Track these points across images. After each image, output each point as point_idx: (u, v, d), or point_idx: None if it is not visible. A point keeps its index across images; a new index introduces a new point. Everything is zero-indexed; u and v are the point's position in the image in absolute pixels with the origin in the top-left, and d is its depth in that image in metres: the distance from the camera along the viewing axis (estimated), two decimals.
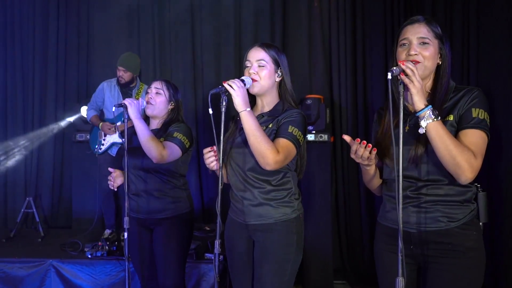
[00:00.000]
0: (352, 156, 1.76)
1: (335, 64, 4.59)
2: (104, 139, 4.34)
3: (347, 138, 1.76)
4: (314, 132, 4.02)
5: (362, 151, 1.72)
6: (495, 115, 3.80)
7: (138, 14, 4.96)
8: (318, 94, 4.34)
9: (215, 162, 2.12)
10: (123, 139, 2.31)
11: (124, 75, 4.27)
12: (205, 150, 2.13)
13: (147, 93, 2.76)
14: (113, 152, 4.36)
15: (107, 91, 4.38)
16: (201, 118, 4.86)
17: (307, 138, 2.24)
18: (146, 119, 2.78)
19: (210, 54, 4.84)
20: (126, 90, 4.38)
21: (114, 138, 4.29)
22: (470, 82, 4.07)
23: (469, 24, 4.09)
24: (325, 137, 4.03)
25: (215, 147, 2.09)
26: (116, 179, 2.64)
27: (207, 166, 2.15)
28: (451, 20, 4.19)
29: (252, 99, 2.21)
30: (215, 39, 4.84)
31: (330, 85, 4.63)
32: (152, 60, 4.96)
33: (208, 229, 4.37)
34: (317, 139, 4.03)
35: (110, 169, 2.66)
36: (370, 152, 1.73)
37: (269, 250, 2.11)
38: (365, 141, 1.72)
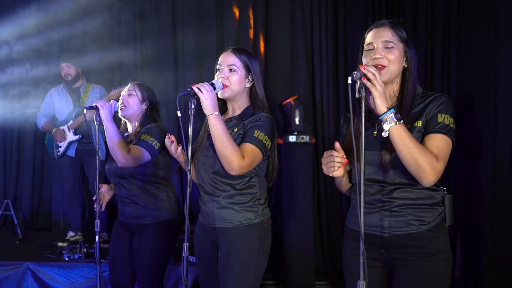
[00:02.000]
0: (324, 167, 1.75)
1: (317, 66, 4.59)
2: (60, 141, 4.34)
3: (337, 145, 1.74)
4: (295, 133, 4.02)
5: (333, 161, 1.71)
6: (475, 119, 3.83)
7: (119, 17, 4.94)
8: (300, 95, 4.33)
9: (179, 150, 2.18)
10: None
11: (69, 70, 4.32)
12: (166, 142, 2.20)
13: (121, 95, 2.74)
14: (72, 152, 4.36)
15: (56, 95, 4.45)
16: (182, 120, 4.83)
17: (275, 142, 2.21)
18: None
19: (192, 56, 4.83)
20: (74, 90, 4.41)
21: (70, 137, 4.30)
22: (450, 85, 4.11)
23: (450, 27, 4.13)
24: (306, 138, 4.02)
25: (171, 136, 2.18)
26: (105, 195, 2.63)
27: (173, 155, 2.24)
28: (432, 23, 4.22)
29: (223, 104, 2.22)
30: (197, 41, 4.82)
31: (312, 86, 4.63)
32: (133, 63, 4.93)
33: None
34: (298, 141, 4.03)
35: (100, 185, 2.61)
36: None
37: (231, 254, 2.10)
38: (338, 145, 1.72)
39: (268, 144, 2.07)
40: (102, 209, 2.62)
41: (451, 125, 1.71)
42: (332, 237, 4.54)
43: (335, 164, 1.71)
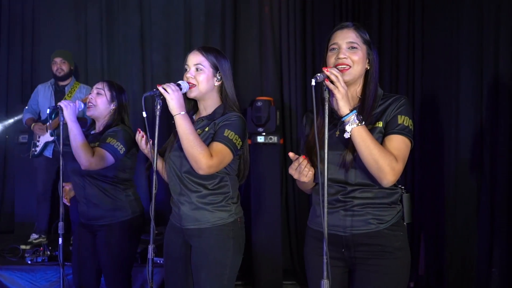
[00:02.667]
0: (291, 172, 1.77)
1: (285, 66, 4.62)
2: (38, 141, 4.26)
3: (291, 155, 1.76)
4: (264, 134, 4.04)
5: (303, 168, 1.73)
6: (438, 120, 3.94)
7: (85, 13, 4.85)
8: (268, 96, 4.35)
9: (149, 146, 2.14)
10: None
11: (63, 66, 4.26)
12: (136, 137, 2.19)
13: (90, 94, 2.70)
14: (49, 153, 4.27)
15: (41, 92, 4.37)
16: (148, 119, 4.78)
17: (247, 141, 2.22)
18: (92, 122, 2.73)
19: (160, 55, 4.79)
20: (59, 88, 4.34)
21: (47, 137, 4.22)
22: (415, 86, 4.20)
23: (414, 31, 4.21)
24: (274, 139, 4.05)
25: (141, 131, 2.17)
26: (69, 192, 2.58)
27: (142, 151, 2.21)
28: (397, 26, 4.30)
29: (195, 103, 2.21)
30: (165, 40, 4.79)
31: (280, 87, 4.66)
32: (100, 61, 4.85)
33: (156, 232, 4.30)
34: (267, 141, 4.05)
35: (64, 184, 2.57)
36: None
37: (206, 254, 2.10)
38: (304, 156, 1.75)
39: (238, 144, 2.07)
40: (68, 204, 2.60)
41: (410, 127, 1.76)
42: (300, 237, 4.56)
43: (305, 169, 1.73)
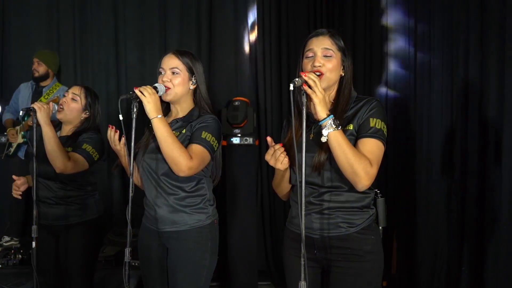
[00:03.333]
0: (267, 158, 1.79)
1: (261, 68, 4.64)
2: (11, 142, 4.19)
3: (269, 140, 1.79)
4: (239, 135, 4.04)
5: (278, 154, 1.76)
6: (411, 123, 4.02)
7: (57, 11, 4.76)
8: (244, 97, 4.36)
9: (121, 143, 2.14)
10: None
11: (38, 67, 4.22)
12: (108, 133, 2.16)
13: (64, 96, 2.66)
14: (22, 154, 4.23)
15: (22, 91, 4.31)
16: (124, 122, 4.73)
17: (223, 143, 2.24)
18: (60, 123, 2.69)
19: (134, 55, 4.74)
20: (38, 89, 4.28)
21: (18, 139, 4.16)
22: (388, 90, 4.27)
23: (387, 34, 4.29)
24: (250, 140, 4.06)
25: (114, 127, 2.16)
26: (20, 186, 2.53)
27: (113, 148, 2.18)
28: (370, 29, 4.37)
29: (167, 106, 2.21)
30: (139, 40, 4.74)
31: (255, 88, 4.68)
32: (72, 61, 4.76)
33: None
34: (242, 142, 4.06)
35: (14, 176, 2.54)
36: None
37: (184, 257, 2.11)
38: (281, 143, 1.77)
39: (215, 145, 2.09)
40: (20, 198, 2.58)
41: (383, 129, 1.79)
42: (274, 238, 4.60)
43: (280, 156, 1.76)
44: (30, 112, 2.38)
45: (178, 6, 4.71)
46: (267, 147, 4.49)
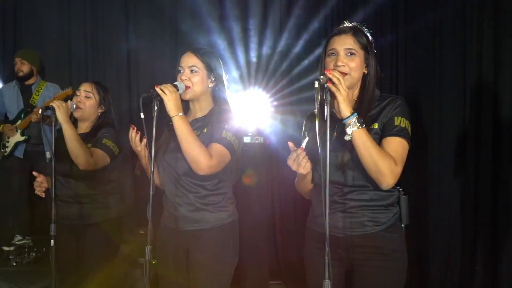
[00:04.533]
0: (290, 163, 1.77)
1: (271, 66, 4.64)
2: (7, 141, 4.18)
3: (291, 145, 1.77)
4: (250, 134, 4.04)
5: (301, 159, 1.74)
6: (422, 121, 4.00)
7: (69, 10, 4.78)
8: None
9: (143, 144, 2.12)
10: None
11: (22, 66, 4.22)
12: (130, 133, 2.13)
13: (76, 95, 2.66)
14: (20, 153, 4.21)
15: (7, 92, 4.32)
16: (135, 119, 4.75)
17: (242, 142, 2.24)
18: (75, 120, 2.69)
19: (145, 55, 4.75)
20: (25, 88, 4.28)
21: (17, 137, 4.15)
22: (398, 89, 4.26)
23: (398, 33, 4.28)
24: (261, 139, 4.06)
25: (135, 127, 2.13)
26: (42, 183, 2.53)
27: (134, 149, 2.17)
28: (381, 29, 4.36)
29: (186, 104, 2.20)
30: (151, 39, 4.75)
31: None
32: (84, 60, 4.79)
33: (142, 233, 4.28)
34: (253, 141, 4.06)
35: (34, 173, 2.54)
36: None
37: (206, 255, 2.10)
38: (303, 147, 1.76)
39: (236, 145, 2.08)
40: (43, 196, 2.56)
41: (407, 128, 1.79)
42: (285, 237, 4.60)
43: (303, 160, 1.74)
44: (49, 109, 2.38)
45: (188, 5, 4.71)
46: (278, 148, 4.52)
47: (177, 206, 2.12)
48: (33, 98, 4.20)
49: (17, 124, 4.17)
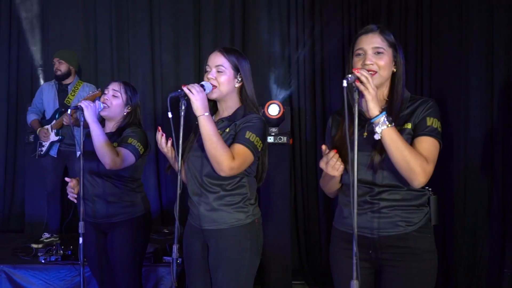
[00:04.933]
0: (322, 165, 1.77)
1: (294, 66, 4.64)
2: (44, 140, 4.27)
3: (324, 147, 1.76)
4: (273, 134, 4.04)
5: (334, 161, 1.73)
6: (447, 120, 3.95)
7: (94, 12, 4.86)
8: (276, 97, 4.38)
9: (169, 144, 2.14)
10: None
11: (60, 66, 4.28)
12: (157, 136, 2.16)
13: (104, 94, 2.70)
14: (54, 152, 4.29)
15: (45, 91, 4.38)
16: (160, 119, 4.81)
17: (266, 143, 2.23)
18: (102, 120, 2.73)
19: (169, 55, 4.80)
20: (62, 87, 4.35)
21: (52, 137, 4.25)
22: (423, 87, 4.21)
23: (422, 31, 4.23)
24: (284, 139, 4.05)
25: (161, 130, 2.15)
26: (74, 188, 2.58)
27: (161, 150, 2.18)
28: (405, 28, 4.31)
29: (214, 104, 2.21)
30: (174, 39, 4.80)
31: (289, 87, 4.68)
32: (109, 59, 4.86)
33: (167, 231, 4.33)
34: (276, 141, 4.05)
35: (67, 179, 2.57)
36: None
37: (222, 255, 2.10)
38: (335, 150, 1.75)
39: (259, 146, 2.07)
40: (76, 201, 2.58)
41: (439, 129, 1.78)
42: (308, 237, 4.59)
43: (336, 163, 1.73)
44: (78, 109, 2.42)
45: (212, 6, 4.75)
46: (300, 146, 4.50)
47: (198, 205, 2.13)
48: (69, 98, 4.28)
49: (52, 124, 4.24)
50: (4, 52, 4.91)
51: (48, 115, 4.35)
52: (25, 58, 4.93)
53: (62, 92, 4.33)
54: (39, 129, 4.27)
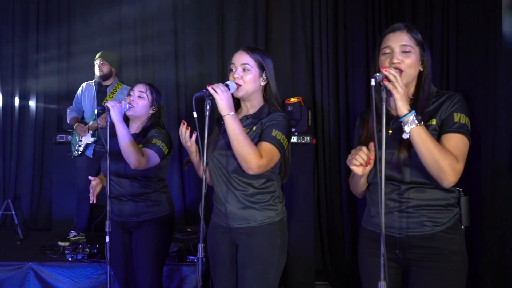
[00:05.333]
0: (351, 163, 1.75)
1: (317, 66, 4.62)
2: (81, 141, 4.33)
3: (371, 145, 1.75)
4: (296, 134, 4.03)
5: (363, 156, 1.73)
6: (474, 119, 3.87)
7: (119, 14, 4.92)
8: (300, 96, 4.35)
9: (193, 138, 2.15)
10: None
11: (102, 67, 4.32)
12: (180, 129, 2.16)
13: (129, 95, 2.74)
14: (90, 153, 4.35)
15: (86, 91, 4.42)
16: (183, 119, 4.83)
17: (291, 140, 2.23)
18: (126, 120, 2.77)
19: (193, 56, 4.83)
20: (102, 89, 4.39)
21: (88, 138, 4.29)
22: (449, 86, 4.14)
23: (448, 29, 4.16)
24: (307, 139, 4.04)
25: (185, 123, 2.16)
26: (96, 187, 2.61)
27: (184, 145, 2.19)
28: (431, 25, 4.25)
29: (237, 102, 2.21)
30: (198, 41, 4.82)
31: (312, 87, 4.66)
32: (134, 62, 4.92)
33: (190, 231, 4.35)
34: (299, 141, 4.04)
35: (90, 177, 2.62)
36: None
37: (253, 253, 2.10)
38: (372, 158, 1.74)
39: (285, 144, 2.08)
40: (94, 202, 2.63)
41: (467, 124, 1.74)
42: (332, 238, 4.56)
43: (358, 158, 1.72)
44: (104, 109, 2.45)
45: (235, 7, 4.76)
46: (323, 145, 4.47)
47: (226, 203, 2.13)
48: (107, 99, 4.32)
49: (89, 125, 4.30)
50: (32, 53, 5.00)
51: (86, 116, 4.41)
52: (52, 59, 5.01)
53: (101, 93, 4.37)
54: (76, 123, 4.32)
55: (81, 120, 4.44)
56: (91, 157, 4.34)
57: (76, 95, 4.49)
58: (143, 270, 2.65)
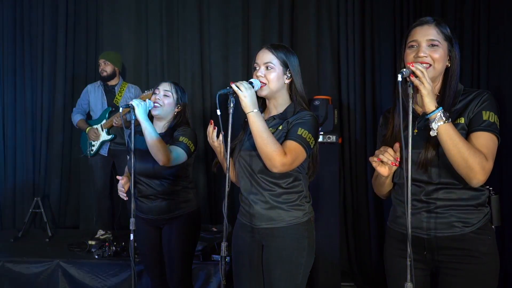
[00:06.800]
0: (375, 162, 1.72)
1: (344, 64, 4.57)
2: (94, 141, 4.38)
3: (396, 146, 1.72)
4: (322, 133, 3.99)
5: (388, 157, 1.69)
6: (506, 117, 3.75)
7: (146, 14, 4.97)
8: (326, 95, 4.30)
9: (220, 138, 2.14)
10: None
11: (105, 67, 4.40)
12: (208, 129, 2.16)
13: (154, 93, 2.75)
14: (104, 151, 4.41)
15: (92, 92, 4.52)
16: (208, 118, 4.85)
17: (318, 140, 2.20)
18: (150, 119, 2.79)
19: (218, 55, 4.84)
20: (109, 88, 4.48)
21: (103, 136, 4.35)
22: (480, 83, 4.03)
23: (479, 24, 4.04)
24: (333, 138, 3.99)
25: (213, 123, 2.15)
26: (124, 186, 2.64)
27: (211, 144, 2.19)
28: (461, 20, 4.14)
29: (262, 103, 2.20)
30: (223, 39, 4.83)
31: (338, 85, 4.61)
32: (160, 60, 4.95)
33: (215, 230, 4.36)
34: (325, 140, 3.99)
35: (118, 177, 2.65)
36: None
37: (281, 254, 2.08)
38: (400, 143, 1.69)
39: (312, 142, 2.04)
40: (126, 199, 2.65)
41: (496, 123, 1.69)
42: (358, 238, 4.50)
43: (386, 155, 1.68)
44: (129, 107, 2.47)
45: (260, 5, 4.74)
46: (350, 145, 4.42)
47: (252, 203, 2.11)
48: (116, 98, 4.41)
49: (102, 123, 4.37)
50: (61, 53, 5.09)
51: (96, 115, 4.48)
52: (80, 59, 5.10)
53: (109, 93, 4.47)
54: (88, 128, 4.40)
55: (88, 120, 4.51)
56: (106, 155, 4.41)
57: (80, 96, 4.59)
58: (174, 265, 2.71)
